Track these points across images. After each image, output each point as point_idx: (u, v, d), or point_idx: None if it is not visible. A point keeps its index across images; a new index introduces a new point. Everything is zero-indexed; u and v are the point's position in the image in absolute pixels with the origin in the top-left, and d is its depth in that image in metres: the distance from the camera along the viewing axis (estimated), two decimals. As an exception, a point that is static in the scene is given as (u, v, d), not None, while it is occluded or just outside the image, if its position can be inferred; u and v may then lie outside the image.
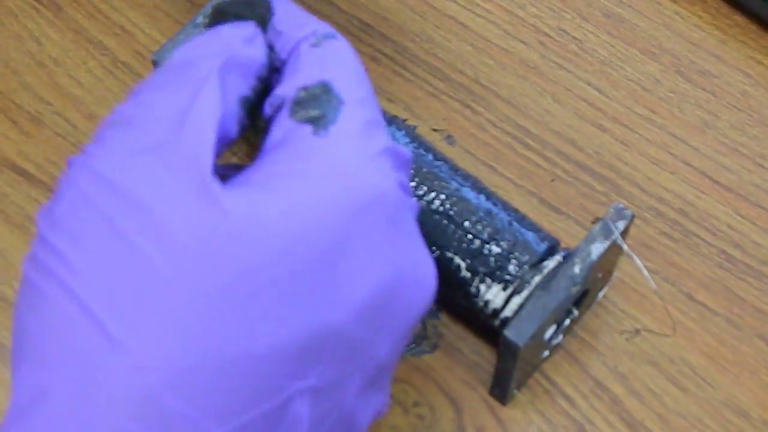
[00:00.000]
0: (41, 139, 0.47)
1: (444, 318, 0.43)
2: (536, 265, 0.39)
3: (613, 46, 0.50)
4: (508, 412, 0.41)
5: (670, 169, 0.47)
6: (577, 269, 0.38)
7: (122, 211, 0.28)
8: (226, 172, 0.31)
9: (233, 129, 0.31)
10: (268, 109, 0.32)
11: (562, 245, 0.42)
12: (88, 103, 0.48)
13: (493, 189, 0.42)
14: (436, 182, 0.40)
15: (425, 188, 0.40)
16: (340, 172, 0.30)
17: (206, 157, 0.29)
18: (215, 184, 0.28)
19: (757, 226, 0.46)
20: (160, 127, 0.29)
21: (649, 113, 0.49)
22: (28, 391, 0.28)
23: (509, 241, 0.39)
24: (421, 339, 0.42)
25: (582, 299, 0.41)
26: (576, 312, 0.41)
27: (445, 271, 0.40)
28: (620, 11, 0.51)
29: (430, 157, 0.41)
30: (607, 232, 0.39)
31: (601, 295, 0.43)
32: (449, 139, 0.47)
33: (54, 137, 0.47)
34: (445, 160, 0.42)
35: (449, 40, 0.50)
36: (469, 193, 0.41)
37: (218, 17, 0.36)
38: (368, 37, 0.50)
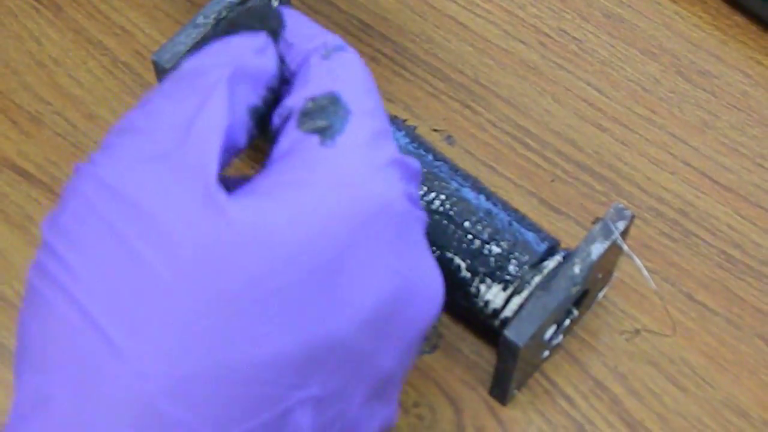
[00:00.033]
0: (41, 139, 0.47)
1: (444, 318, 0.43)
2: (536, 265, 0.39)
3: (613, 46, 0.50)
4: (508, 413, 0.41)
5: (670, 169, 0.47)
6: (577, 269, 0.38)
7: (125, 218, 0.28)
8: (235, 183, 0.31)
9: (242, 138, 0.31)
10: (276, 119, 0.32)
11: (562, 245, 0.42)
12: (88, 103, 0.48)
13: (493, 189, 0.42)
14: (436, 182, 0.40)
15: (425, 188, 0.40)
16: (346, 181, 0.30)
17: (211, 165, 0.29)
18: (219, 192, 0.28)
19: (756, 227, 0.46)
20: (166, 136, 0.29)
21: (649, 113, 0.49)
22: (29, 397, 0.28)
23: (509, 241, 0.39)
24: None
25: (582, 299, 0.41)
26: (576, 312, 0.41)
27: (445, 271, 0.40)
28: (620, 11, 0.52)
29: (430, 157, 0.41)
30: (607, 233, 0.39)
31: (601, 295, 0.43)
32: (449, 139, 0.47)
33: (54, 137, 0.47)
34: (445, 161, 0.42)
35: (449, 40, 0.50)
36: (469, 194, 0.41)
37: (230, 29, 0.36)
38: (368, 37, 0.50)
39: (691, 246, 0.45)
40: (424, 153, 0.41)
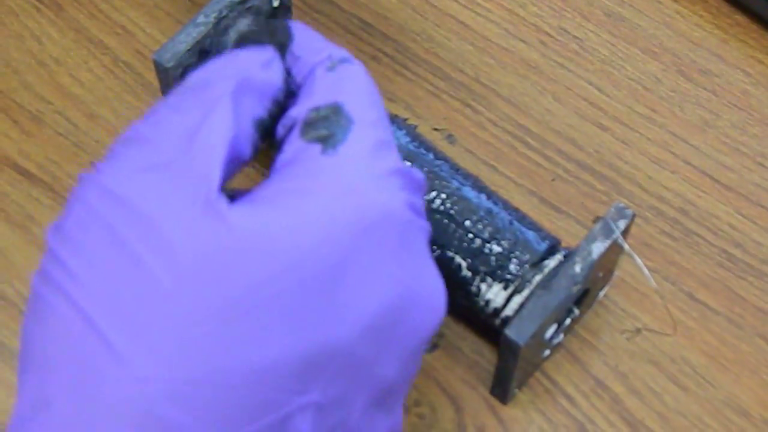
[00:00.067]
0: (42, 139, 0.47)
1: (444, 317, 0.43)
2: (537, 264, 0.39)
3: (614, 45, 0.50)
4: (509, 412, 0.41)
5: (670, 168, 0.47)
6: (577, 268, 0.38)
7: (128, 225, 0.29)
8: (239, 195, 0.31)
9: (246, 150, 0.32)
10: (280, 129, 0.33)
11: (563, 244, 0.42)
12: (88, 103, 0.48)
13: (493, 188, 0.42)
14: (436, 181, 0.40)
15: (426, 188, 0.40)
16: (347, 190, 0.30)
17: (214, 174, 0.29)
18: (221, 201, 0.29)
19: (757, 225, 0.46)
20: (170, 145, 0.30)
21: (650, 112, 0.49)
22: (31, 400, 0.29)
23: (510, 240, 0.39)
24: (422, 338, 0.42)
25: (583, 298, 0.41)
26: (577, 311, 0.41)
27: (446, 270, 0.40)
28: (621, 10, 0.51)
29: (431, 156, 0.41)
30: (607, 232, 0.39)
31: (601, 294, 0.43)
32: (450, 138, 0.47)
33: (55, 136, 0.47)
34: (446, 160, 0.42)
35: (450, 39, 0.50)
36: (469, 193, 0.41)
37: (240, 42, 0.36)
38: (369, 37, 0.50)
39: (692, 245, 0.45)
40: (424, 152, 0.41)
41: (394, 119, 0.43)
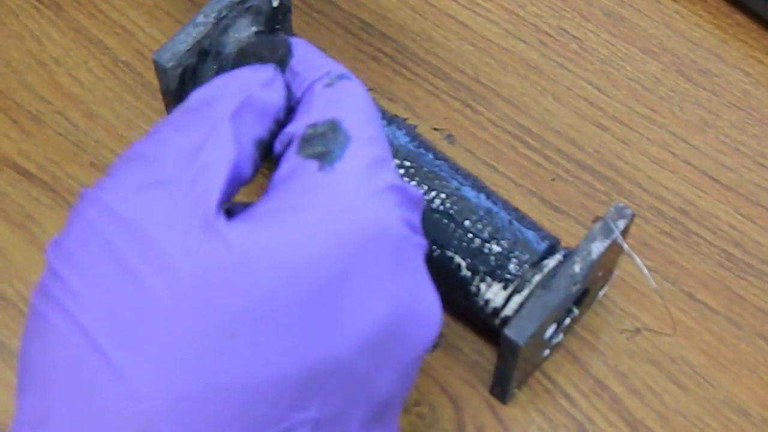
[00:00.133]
0: (42, 139, 0.47)
1: (444, 317, 0.43)
2: (537, 263, 0.39)
3: (613, 45, 0.50)
4: (509, 411, 0.41)
5: (670, 168, 0.47)
6: (577, 268, 0.38)
7: (127, 242, 0.29)
8: (241, 209, 0.31)
9: (247, 170, 0.32)
10: (278, 145, 0.33)
11: (563, 244, 0.42)
12: (88, 103, 0.48)
13: (493, 188, 0.42)
14: (436, 181, 0.40)
15: (426, 187, 0.40)
16: (343, 207, 0.30)
17: (214, 194, 0.29)
18: (220, 219, 0.29)
19: (757, 225, 0.46)
20: (171, 164, 0.30)
21: (650, 112, 0.49)
22: (30, 416, 0.29)
23: (509, 240, 0.40)
24: (422, 338, 0.42)
25: (582, 298, 0.41)
26: (576, 311, 0.41)
27: (446, 270, 0.40)
28: (621, 10, 0.52)
29: (431, 156, 0.41)
30: (607, 231, 0.39)
31: (601, 294, 0.43)
32: (449, 138, 0.47)
33: (55, 136, 0.47)
34: (446, 159, 0.42)
35: (449, 39, 0.50)
36: (469, 192, 0.41)
37: (241, 58, 0.37)
38: (369, 36, 0.50)
39: (692, 245, 0.45)
40: (424, 152, 0.41)
41: (393, 119, 0.43)
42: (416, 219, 0.32)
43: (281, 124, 0.33)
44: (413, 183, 0.40)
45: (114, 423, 0.27)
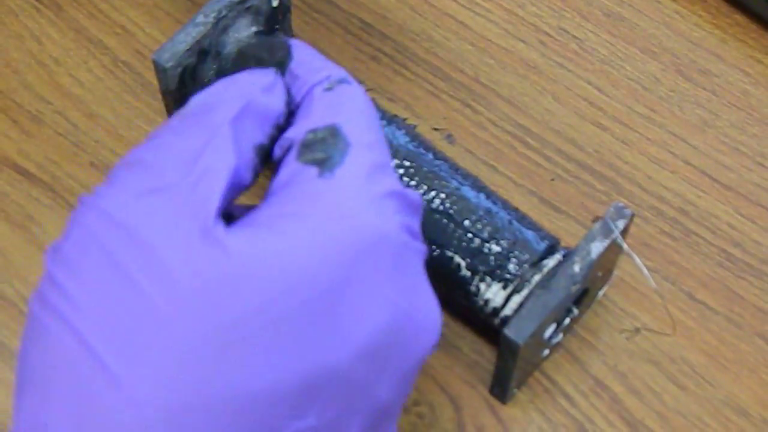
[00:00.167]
0: (42, 139, 0.47)
1: (444, 317, 0.43)
2: (536, 263, 0.39)
3: (613, 45, 0.50)
4: (508, 411, 0.41)
5: (670, 168, 0.47)
6: (577, 268, 0.38)
7: (126, 250, 0.29)
8: (243, 212, 0.31)
9: (247, 176, 0.32)
10: (278, 150, 0.33)
11: (562, 244, 0.42)
12: (88, 103, 0.48)
13: (493, 188, 0.42)
14: (436, 181, 0.40)
15: (425, 187, 0.40)
16: (341, 213, 0.30)
17: (213, 201, 0.29)
18: (219, 226, 0.29)
19: (757, 225, 0.46)
20: (171, 171, 0.30)
21: (650, 112, 0.49)
22: (28, 424, 0.29)
23: (509, 239, 0.40)
24: (422, 338, 0.42)
25: (582, 298, 0.41)
26: (576, 311, 0.41)
27: (445, 269, 0.40)
28: (620, 10, 0.52)
29: (430, 156, 0.41)
30: (607, 231, 0.39)
31: (601, 293, 0.43)
32: (449, 138, 0.47)
33: (54, 136, 0.47)
34: (445, 159, 0.42)
35: (449, 39, 0.50)
36: (469, 192, 0.41)
37: (240, 60, 0.36)
38: (368, 36, 0.50)
39: (692, 245, 0.45)
40: (424, 152, 0.41)
41: (393, 119, 0.43)
42: (416, 225, 0.32)
43: (281, 128, 0.33)
44: (413, 183, 0.40)
45: (111, 431, 0.27)
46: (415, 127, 0.45)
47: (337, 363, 0.29)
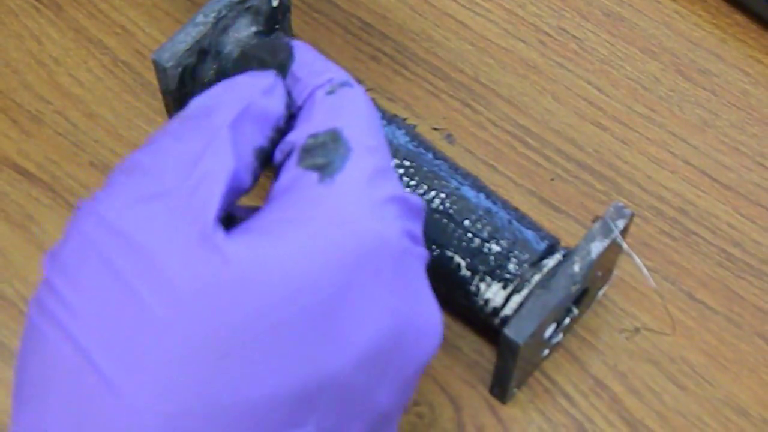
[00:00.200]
0: (42, 138, 0.47)
1: (444, 317, 0.43)
2: (536, 263, 0.39)
3: (613, 44, 0.50)
4: (508, 411, 0.41)
5: (670, 167, 0.47)
6: (576, 268, 0.38)
7: (124, 256, 0.28)
8: (245, 213, 0.31)
9: (247, 180, 0.31)
10: (278, 155, 0.32)
11: (562, 244, 0.42)
12: (88, 102, 0.48)
13: (493, 188, 0.42)
14: (435, 181, 0.40)
15: (425, 187, 0.40)
16: (342, 220, 0.30)
17: (212, 206, 0.29)
18: (218, 233, 0.29)
19: (757, 225, 0.46)
20: (169, 175, 0.30)
21: (649, 112, 0.49)
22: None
23: (509, 239, 0.40)
24: (421, 338, 0.42)
25: (582, 298, 0.41)
26: (576, 310, 0.41)
27: (445, 269, 0.40)
28: (620, 10, 0.52)
29: (430, 155, 0.41)
30: (606, 231, 0.39)
31: (600, 293, 0.43)
32: (449, 137, 0.47)
33: (54, 136, 0.47)
34: (445, 159, 0.42)
35: (449, 38, 0.50)
36: (468, 192, 0.41)
37: (242, 61, 0.36)
38: (368, 36, 0.50)
39: (691, 244, 0.45)
40: (423, 151, 0.41)
41: (393, 119, 0.43)
42: (418, 230, 0.32)
43: (282, 131, 0.33)
44: (413, 183, 0.40)
45: None
46: (414, 126, 0.45)
47: (337, 369, 0.29)
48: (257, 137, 0.32)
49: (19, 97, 0.48)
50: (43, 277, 0.30)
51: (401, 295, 0.30)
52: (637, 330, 0.43)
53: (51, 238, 0.44)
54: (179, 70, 0.40)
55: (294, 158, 0.31)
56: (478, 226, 0.40)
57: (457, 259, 0.40)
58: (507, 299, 0.39)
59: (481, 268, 0.39)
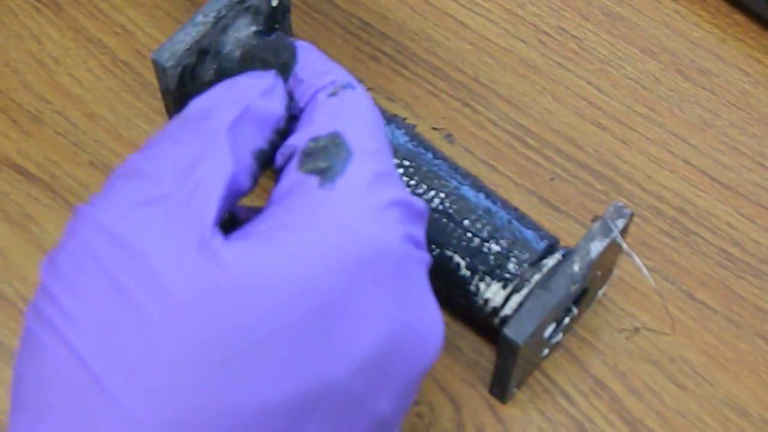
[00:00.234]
0: (41, 138, 0.47)
1: (444, 317, 0.43)
2: (536, 263, 0.39)
3: (612, 44, 0.50)
4: (508, 411, 0.41)
5: (669, 167, 0.47)
6: (576, 267, 0.38)
7: (121, 262, 0.28)
8: (247, 213, 0.31)
9: (246, 182, 0.31)
10: (279, 158, 0.32)
11: (562, 244, 0.42)
12: (88, 102, 0.48)
13: (492, 187, 0.42)
14: (435, 181, 0.40)
15: (425, 187, 0.40)
16: (342, 225, 0.29)
17: (210, 211, 0.29)
18: (216, 238, 0.28)
19: (756, 225, 0.46)
20: (167, 180, 0.29)
21: (649, 112, 0.49)
22: None
23: (509, 239, 0.40)
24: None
25: (581, 297, 0.41)
26: (575, 310, 0.41)
27: (445, 269, 0.40)
28: (620, 10, 0.52)
29: (430, 155, 0.41)
30: (606, 231, 0.39)
31: (600, 293, 0.43)
32: (449, 137, 0.47)
33: (54, 136, 0.47)
34: (445, 159, 0.42)
35: (449, 38, 0.50)
36: (468, 192, 0.41)
37: (245, 61, 0.36)
38: (368, 36, 0.50)
39: (691, 244, 0.45)
40: (423, 151, 0.41)
41: (393, 118, 0.43)
42: (420, 234, 0.31)
43: (282, 132, 0.33)
44: (412, 182, 0.40)
45: None
46: (414, 126, 0.45)
47: (336, 376, 0.29)
48: (256, 139, 0.32)
49: (18, 97, 0.48)
50: (40, 283, 0.29)
51: (402, 301, 0.30)
52: (636, 330, 0.43)
53: (51, 238, 0.44)
54: (179, 69, 0.40)
55: (295, 162, 0.31)
56: (478, 225, 0.40)
57: (457, 258, 0.40)
58: (507, 299, 0.39)
59: (481, 267, 0.39)
